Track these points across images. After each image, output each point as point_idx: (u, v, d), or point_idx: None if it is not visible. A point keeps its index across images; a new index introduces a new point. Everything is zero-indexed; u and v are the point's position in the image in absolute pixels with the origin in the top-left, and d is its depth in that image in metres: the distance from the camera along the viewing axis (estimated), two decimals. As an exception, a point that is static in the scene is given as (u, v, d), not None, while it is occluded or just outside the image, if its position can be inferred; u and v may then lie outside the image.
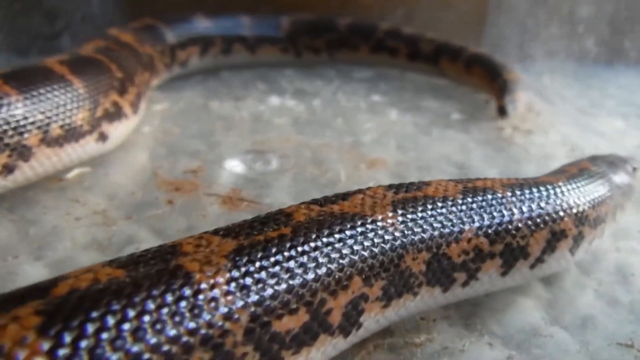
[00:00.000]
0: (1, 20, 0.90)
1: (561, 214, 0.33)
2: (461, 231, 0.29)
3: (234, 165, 0.54)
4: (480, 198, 0.30)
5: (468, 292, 0.32)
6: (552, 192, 0.33)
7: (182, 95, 0.75)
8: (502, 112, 0.74)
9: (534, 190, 0.32)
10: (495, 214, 0.30)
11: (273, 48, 0.89)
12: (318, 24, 0.92)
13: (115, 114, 0.51)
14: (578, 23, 1.09)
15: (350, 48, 0.93)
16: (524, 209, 0.31)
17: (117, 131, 0.52)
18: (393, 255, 0.26)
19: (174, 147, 0.57)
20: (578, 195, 0.34)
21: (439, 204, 0.29)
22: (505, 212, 0.31)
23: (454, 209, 0.29)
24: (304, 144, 0.60)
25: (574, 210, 0.33)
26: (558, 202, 0.33)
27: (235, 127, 0.64)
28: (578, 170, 0.38)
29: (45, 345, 0.17)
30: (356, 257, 0.25)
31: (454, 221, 0.29)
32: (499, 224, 0.30)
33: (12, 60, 0.85)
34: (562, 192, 0.33)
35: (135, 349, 0.19)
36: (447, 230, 0.28)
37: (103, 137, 0.49)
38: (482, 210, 0.30)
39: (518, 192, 0.32)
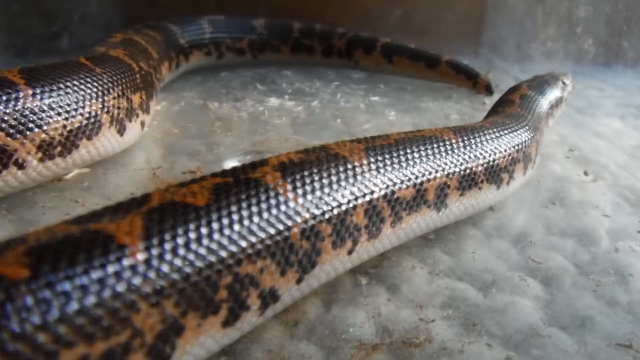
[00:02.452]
0: (-1, 21, 0.89)
1: (538, 125, 0.52)
2: (502, 147, 0.44)
3: (233, 166, 0.53)
4: (502, 127, 0.47)
5: (510, 190, 0.46)
6: (528, 119, 0.51)
7: (181, 95, 0.75)
8: (489, 90, 0.82)
9: (522, 121, 0.50)
10: (511, 138, 0.46)
11: (199, 52, 0.86)
12: (237, 25, 0.90)
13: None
14: (576, 24, 1.09)
15: (272, 49, 0.92)
16: (526, 133, 0.48)
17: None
18: (464, 162, 0.41)
19: (173, 148, 0.57)
20: (535, 115, 0.54)
21: (486, 132, 0.45)
22: (516, 136, 0.47)
23: (491, 138, 0.45)
24: (302, 144, 0.60)
25: (543, 112, 0.57)
26: (532, 117, 0.53)
27: (234, 128, 0.64)
28: (520, 98, 0.57)
29: (289, 181, 0.31)
30: (439, 161, 0.39)
31: (492, 144, 0.44)
32: (518, 143, 0.46)
33: (10, 61, 0.85)
34: (530, 117, 0.52)
35: (318, 196, 0.31)
36: (493, 148, 0.44)
37: None
38: (504, 135, 0.46)
39: (522, 124, 0.49)
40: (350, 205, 0.33)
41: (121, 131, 0.52)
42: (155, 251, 0.24)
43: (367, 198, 0.34)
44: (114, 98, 0.50)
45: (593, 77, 1.04)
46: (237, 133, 0.62)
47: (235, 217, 0.27)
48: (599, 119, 0.79)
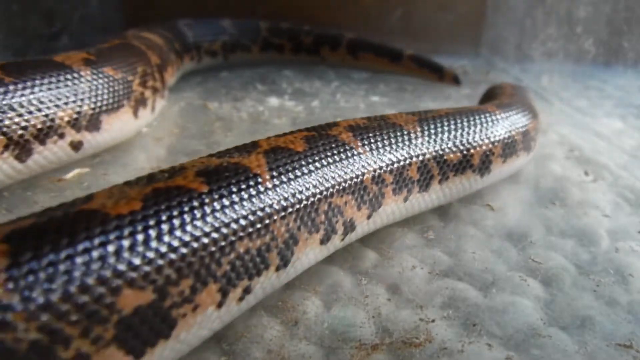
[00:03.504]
0: (-1, 21, 0.89)
1: (533, 112, 0.55)
2: (531, 119, 0.52)
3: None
4: (524, 104, 0.54)
5: (533, 154, 0.55)
6: (527, 106, 0.55)
7: (182, 95, 0.75)
8: (457, 80, 0.87)
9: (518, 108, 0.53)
10: (517, 120, 0.51)
11: (187, 56, 0.85)
12: (209, 27, 0.89)
13: None
14: (576, 24, 1.09)
15: (242, 49, 0.92)
16: (535, 110, 0.56)
17: None
18: (507, 132, 0.48)
19: (173, 148, 0.57)
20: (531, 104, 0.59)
21: (519, 107, 0.52)
22: (534, 112, 0.55)
23: (523, 112, 0.52)
24: (302, 144, 0.60)
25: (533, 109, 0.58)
26: (529, 106, 0.56)
27: (234, 128, 0.64)
28: (513, 90, 0.62)
29: (359, 139, 0.38)
30: (486, 131, 0.46)
31: (525, 117, 0.52)
32: (535, 116, 0.54)
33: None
34: (528, 104, 0.57)
35: (382, 152, 0.39)
36: (527, 120, 0.52)
37: None
38: (528, 110, 0.53)
39: (530, 104, 0.57)
40: (407, 162, 0.41)
41: (22, 157, 0.44)
42: (277, 180, 0.32)
43: (420, 158, 0.42)
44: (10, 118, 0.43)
45: (593, 77, 1.04)
46: (237, 133, 0.62)
47: (324, 161, 0.35)
48: (599, 119, 0.79)
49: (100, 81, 0.51)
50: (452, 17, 1.07)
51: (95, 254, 0.23)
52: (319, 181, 0.34)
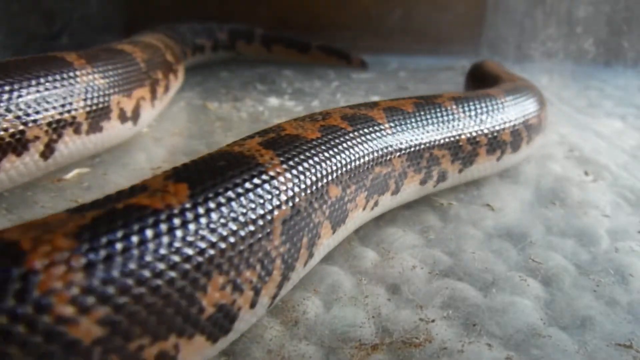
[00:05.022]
0: (-1, 21, 0.89)
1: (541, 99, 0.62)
2: (531, 112, 0.56)
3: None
4: (519, 94, 0.58)
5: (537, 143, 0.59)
6: (535, 90, 0.61)
7: (181, 95, 0.75)
8: (364, 65, 0.93)
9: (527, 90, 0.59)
10: (528, 105, 0.56)
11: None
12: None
13: None
14: (576, 24, 1.09)
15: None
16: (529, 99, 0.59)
17: None
18: (542, 104, 0.58)
19: (173, 148, 0.57)
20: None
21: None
22: (529, 103, 0.57)
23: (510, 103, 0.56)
24: (302, 144, 0.60)
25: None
26: (536, 91, 0.61)
27: (234, 128, 0.64)
28: (502, 67, 0.74)
29: (459, 106, 0.48)
30: (531, 106, 0.55)
31: (542, 96, 0.60)
32: (529, 113, 0.56)
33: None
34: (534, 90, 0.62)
35: (480, 118, 0.48)
36: (543, 97, 0.60)
37: None
38: (522, 104, 0.55)
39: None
40: (501, 127, 0.50)
41: None
42: (394, 129, 0.42)
43: (512, 123, 0.51)
44: None
45: (593, 77, 1.04)
46: (237, 133, 0.62)
47: (428, 120, 0.44)
48: (599, 119, 0.79)
49: None
50: (452, 17, 1.07)
51: (305, 164, 0.33)
52: (424, 134, 0.43)
